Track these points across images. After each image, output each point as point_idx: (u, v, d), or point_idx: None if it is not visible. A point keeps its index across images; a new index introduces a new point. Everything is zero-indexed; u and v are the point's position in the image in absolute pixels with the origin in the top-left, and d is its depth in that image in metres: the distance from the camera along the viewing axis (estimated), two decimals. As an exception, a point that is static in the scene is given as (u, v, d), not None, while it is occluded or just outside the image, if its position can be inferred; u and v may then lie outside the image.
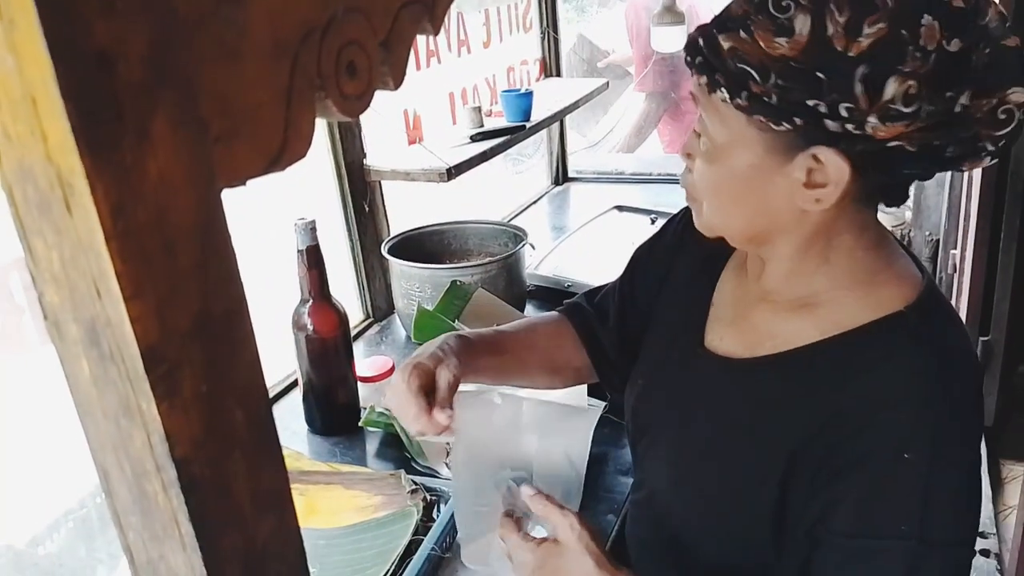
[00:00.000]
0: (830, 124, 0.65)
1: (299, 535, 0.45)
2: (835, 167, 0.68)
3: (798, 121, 0.66)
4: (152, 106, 0.33)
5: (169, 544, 0.39)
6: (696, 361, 0.86)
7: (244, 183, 0.41)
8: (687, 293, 0.92)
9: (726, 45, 0.67)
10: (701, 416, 0.84)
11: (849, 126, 0.64)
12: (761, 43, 0.65)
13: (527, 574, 0.82)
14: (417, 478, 1.09)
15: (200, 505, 0.37)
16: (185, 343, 0.35)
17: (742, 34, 0.66)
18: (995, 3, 0.66)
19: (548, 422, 1.03)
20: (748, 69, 0.66)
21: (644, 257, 1.04)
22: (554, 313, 1.10)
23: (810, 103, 0.64)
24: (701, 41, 0.70)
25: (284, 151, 0.41)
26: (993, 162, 0.69)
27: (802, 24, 0.64)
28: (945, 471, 0.70)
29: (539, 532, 0.85)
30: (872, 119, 0.63)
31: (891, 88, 0.62)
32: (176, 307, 0.35)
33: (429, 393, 0.85)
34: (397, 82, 0.51)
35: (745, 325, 0.83)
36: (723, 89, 0.68)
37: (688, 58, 0.71)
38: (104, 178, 0.31)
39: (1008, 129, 0.65)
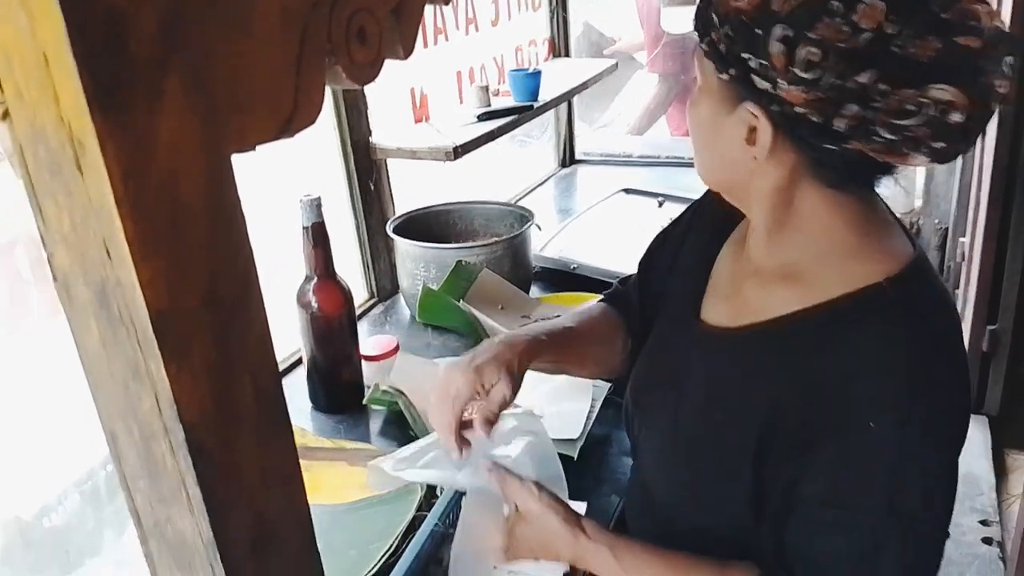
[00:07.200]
0: (757, 80, 0.68)
1: (307, 509, 0.45)
2: (762, 125, 0.71)
3: (733, 72, 0.69)
4: (164, 69, 0.32)
5: (176, 507, 0.39)
6: (690, 333, 0.88)
7: (254, 148, 0.41)
8: (690, 271, 0.93)
9: None
10: (690, 386, 0.86)
11: (767, 84, 0.67)
12: None
13: (505, 555, 0.86)
14: (421, 455, 1.10)
15: (208, 470, 0.38)
16: (195, 308, 0.35)
17: None
18: (990, 11, 0.65)
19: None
20: (714, 18, 0.70)
21: (658, 245, 1.05)
22: (603, 304, 1.09)
23: (744, 56, 0.68)
24: None
25: (294, 116, 0.41)
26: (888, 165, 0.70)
27: None
28: (915, 442, 0.70)
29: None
30: (782, 81, 0.66)
31: (800, 53, 0.64)
32: (186, 272, 0.35)
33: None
34: (407, 51, 0.51)
35: (736, 297, 0.85)
36: (698, 34, 0.73)
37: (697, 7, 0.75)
38: (116, 139, 0.31)
39: (910, 121, 0.64)
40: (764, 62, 0.66)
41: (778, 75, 0.66)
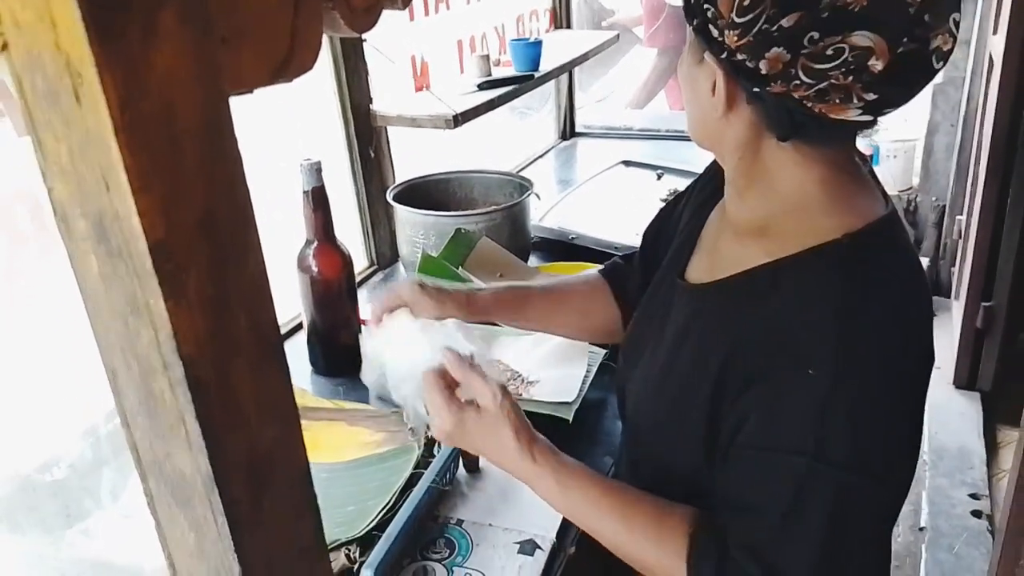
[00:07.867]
0: (712, 29, 0.70)
1: (303, 447, 0.46)
2: (719, 75, 0.73)
3: (696, 22, 0.72)
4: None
5: (175, 443, 0.40)
6: (672, 291, 0.89)
7: (251, 91, 0.41)
8: (684, 233, 0.94)
9: None
10: (667, 340, 0.87)
11: (717, 32, 0.69)
12: None
13: (443, 433, 0.83)
14: (418, 418, 1.11)
15: (206, 405, 0.38)
16: (192, 242, 0.36)
17: None
18: None
19: None
20: None
21: (664, 217, 1.06)
22: (594, 272, 1.12)
23: (705, 6, 0.70)
24: None
25: (291, 60, 0.41)
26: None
27: None
28: (848, 393, 0.69)
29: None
30: (726, 28, 0.68)
31: None
32: (183, 204, 0.35)
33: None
34: (405, 0, 0.51)
35: (714, 254, 0.86)
36: None
37: None
38: (112, 67, 0.31)
39: (828, 65, 0.65)
40: (715, 9, 0.68)
41: (724, 22, 0.68)
